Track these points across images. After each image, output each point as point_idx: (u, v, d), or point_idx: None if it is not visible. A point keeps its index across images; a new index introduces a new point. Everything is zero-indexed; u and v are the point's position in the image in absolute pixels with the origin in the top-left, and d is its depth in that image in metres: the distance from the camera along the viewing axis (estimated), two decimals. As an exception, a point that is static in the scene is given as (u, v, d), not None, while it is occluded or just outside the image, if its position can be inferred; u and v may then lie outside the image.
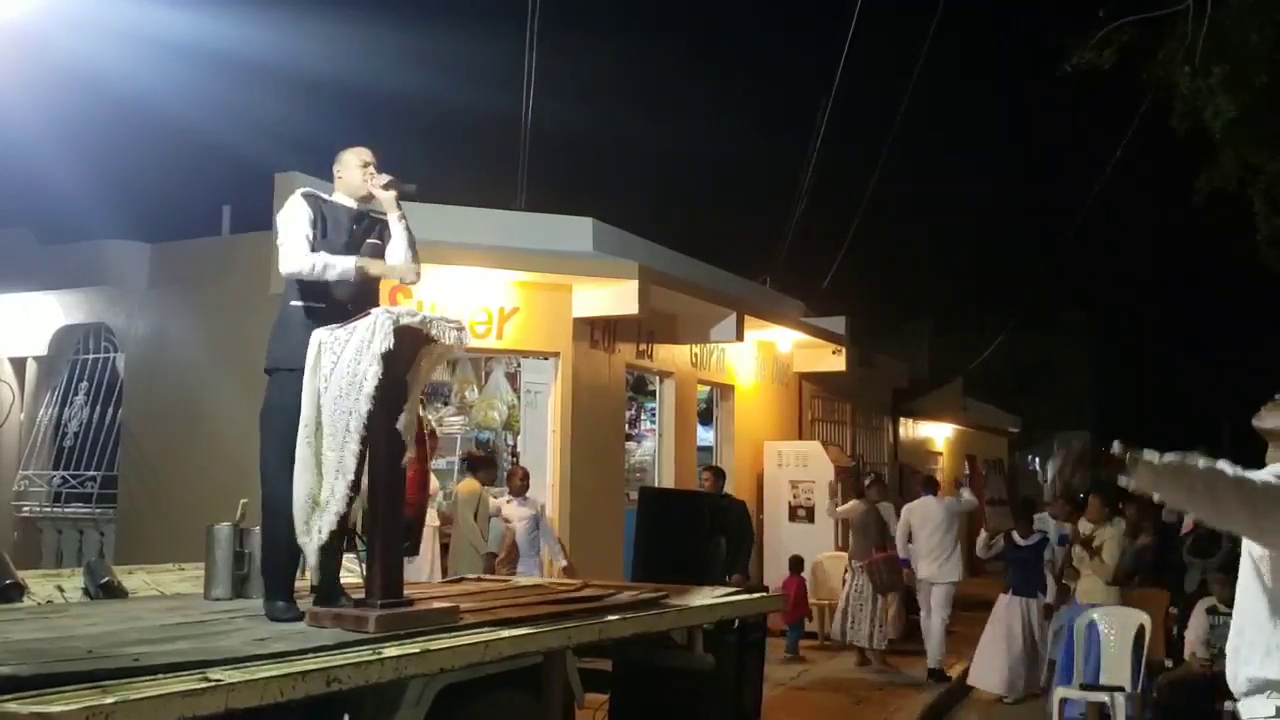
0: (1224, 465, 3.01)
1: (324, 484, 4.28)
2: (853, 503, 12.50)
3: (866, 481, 12.94)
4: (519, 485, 10.06)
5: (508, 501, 10.00)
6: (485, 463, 10.30)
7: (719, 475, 11.34)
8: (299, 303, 4.73)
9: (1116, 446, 3.02)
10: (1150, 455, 2.99)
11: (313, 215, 4.77)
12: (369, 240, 4.91)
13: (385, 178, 4.88)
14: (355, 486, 4.31)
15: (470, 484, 9.75)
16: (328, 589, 4.50)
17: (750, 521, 10.89)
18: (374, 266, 4.79)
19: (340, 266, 4.68)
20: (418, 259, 4.96)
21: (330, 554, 4.60)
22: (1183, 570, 10.02)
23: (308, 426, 4.32)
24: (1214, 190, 11.21)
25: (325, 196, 4.92)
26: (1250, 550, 3.32)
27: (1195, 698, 7.96)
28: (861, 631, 11.50)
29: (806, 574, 12.69)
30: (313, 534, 4.28)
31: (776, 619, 11.45)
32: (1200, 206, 11.35)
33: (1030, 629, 10.33)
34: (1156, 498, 3.10)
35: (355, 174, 4.90)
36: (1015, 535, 10.57)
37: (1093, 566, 9.17)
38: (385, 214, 4.92)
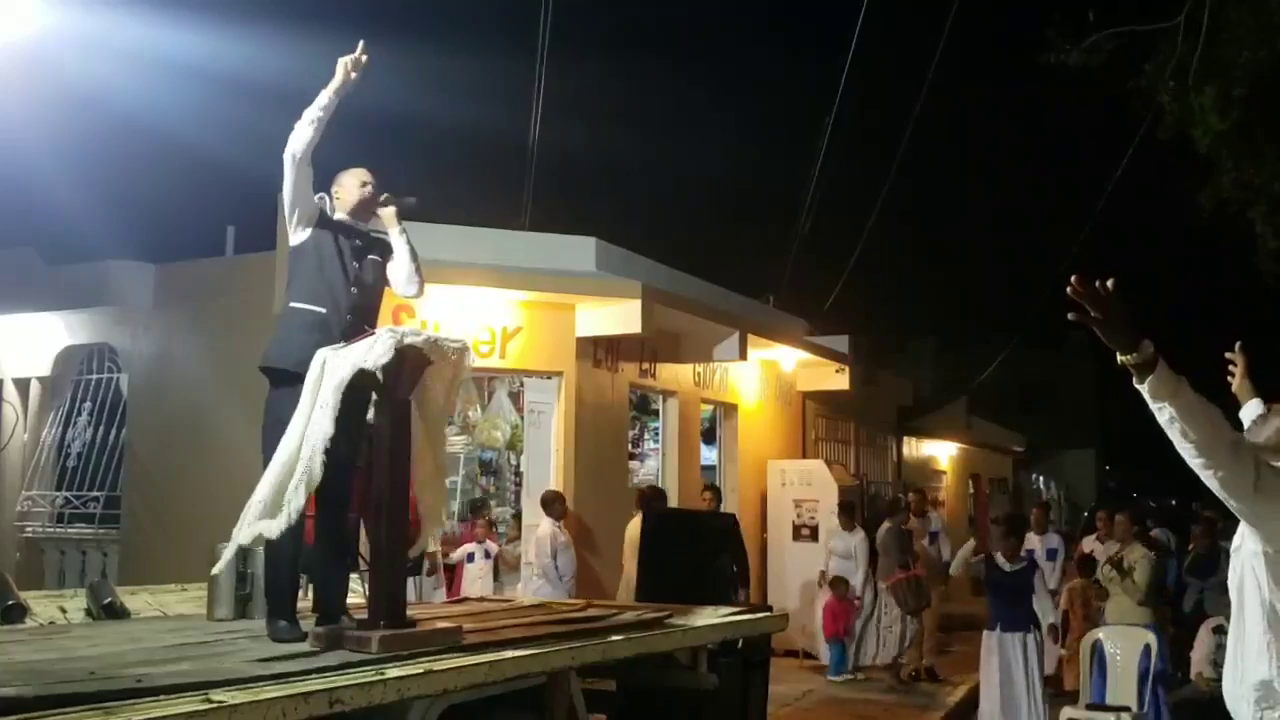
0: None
1: (286, 492, 4.21)
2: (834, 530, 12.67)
3: (909, 498, 13.02)
4: (562, 510, 10.12)
5: (560, 527, 10.12)
6: (657, 497, 10.23)
7: (718, 494, 11.49)
8: (300, 305, 4.74)
9: (1149, 346, 3.03)
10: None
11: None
12: (370, 257, 4.90)
13: (382, 194, 4.90)
14: (344, 506, 4.30)
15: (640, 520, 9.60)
16: (330, 609, 4.49)
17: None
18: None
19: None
20: (421, 273, 4.97)
21: (334, 573, 4.60)
22: (1182, 590, 10.00)
23: (295, 435, 4.27)
24: (1217, 206, 11.19)
25: (327, 213, 4.92)
26: (1249, 557, 3.32)
27: (1201, 717, 7.92)
28: (868, 649, 11.56)
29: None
30: (243, 534, 4.22)
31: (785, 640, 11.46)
32: (1204, 224, 11.33)
33: (1029, 669, 8.60)
34: (1159, 410, 3.08)
35: (354, 194, 4.92)
36: (999, 558, 8.93)
37: (1124, 587, 9.08)
38: (386, 232, 4.93)
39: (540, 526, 10.36)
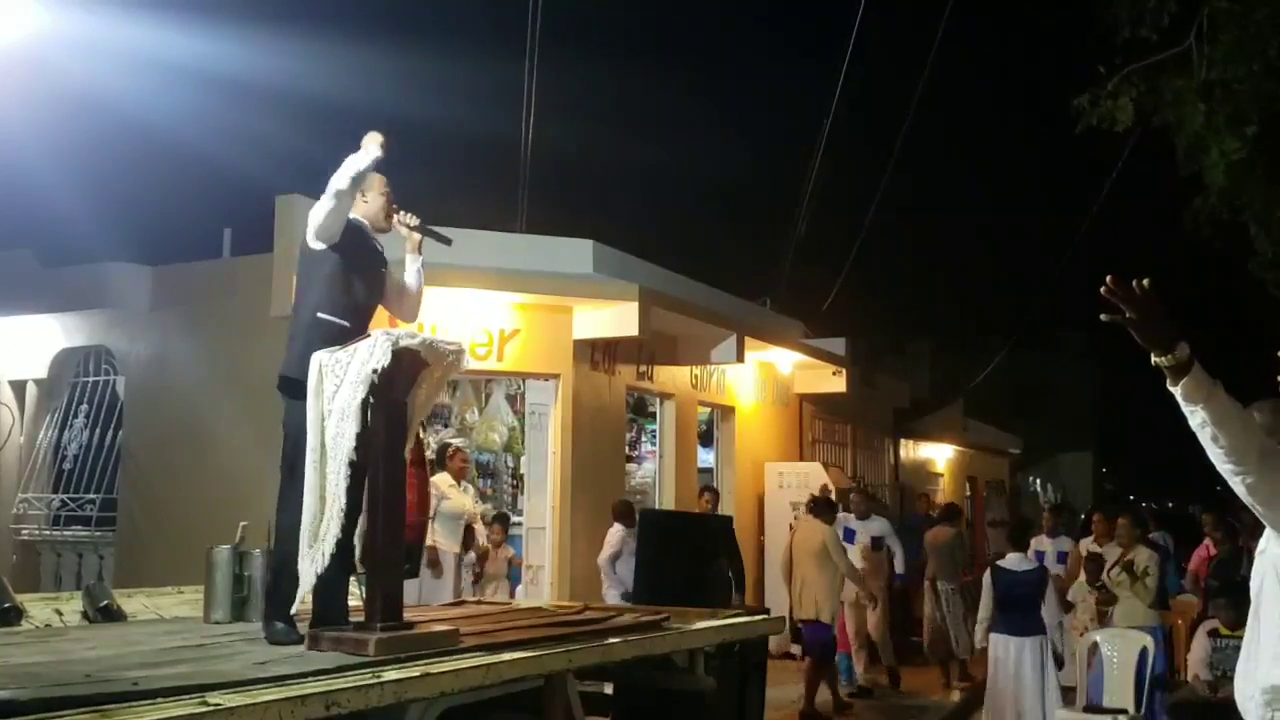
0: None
1: (325, 511, 4.25)
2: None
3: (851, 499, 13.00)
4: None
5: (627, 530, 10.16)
6: (828, 505, 10.77)
7: (716, 496, 11.54)
8: (326, 317, 4.67)
9: (1185, 348, 2.99)
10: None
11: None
12: (383, 270, 4.98)
13: (415, 219, 4.94)
14: (353, 511, 4.29)
15: (820, 527, 10.35)
16: (327, 612, 4.49)
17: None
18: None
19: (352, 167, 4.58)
20: (420, 302, 5.10)
21: (331, 577, 4.58)
22: (1210, 592, 9.99)
23: (314, 451, 4.30)
24: (1208, 215, 11.13)
25: (350, 217, 4.87)
26: (1272, 561, 3.31)
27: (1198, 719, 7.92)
28: (963, 645, 11.75)
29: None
30: (315, 560, 4.26)
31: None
32: (1196, 233, 11.28)
33: (1037, 674, 8.52)
34: (1191, 413, 3.06)
35: (379, 203, 4.91)
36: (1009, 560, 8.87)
37: (1135, 591, 9.11)
38: (404, 250, 4.98)
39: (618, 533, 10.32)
